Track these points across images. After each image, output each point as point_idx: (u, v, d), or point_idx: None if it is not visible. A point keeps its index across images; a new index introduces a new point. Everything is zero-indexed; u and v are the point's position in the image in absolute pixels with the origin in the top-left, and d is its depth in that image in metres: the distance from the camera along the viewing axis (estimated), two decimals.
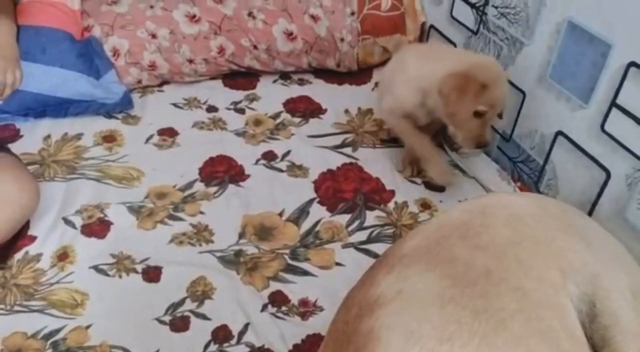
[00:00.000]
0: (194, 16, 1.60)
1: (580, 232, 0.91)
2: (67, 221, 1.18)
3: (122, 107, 1.51)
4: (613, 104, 1.05)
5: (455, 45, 1.56)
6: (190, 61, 1.61)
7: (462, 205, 0.99)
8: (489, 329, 0.71)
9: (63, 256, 1.10)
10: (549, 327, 0.76)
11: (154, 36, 1.57)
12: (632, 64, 1.00)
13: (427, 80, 1.23)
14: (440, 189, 1.35)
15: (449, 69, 1.15)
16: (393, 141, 1.48)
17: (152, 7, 1.59)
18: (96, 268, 1.09)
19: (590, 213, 1.12)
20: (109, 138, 1.42)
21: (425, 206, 1.31)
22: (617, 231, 1.02)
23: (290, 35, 1.65)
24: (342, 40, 1.68)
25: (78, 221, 1.18)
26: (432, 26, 1.68)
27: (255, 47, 1.64)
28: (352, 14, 1.69)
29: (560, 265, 0.84)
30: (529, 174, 1.31)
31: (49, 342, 0.96)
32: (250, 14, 1.63)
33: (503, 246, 0.85)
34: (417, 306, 0.74)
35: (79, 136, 1.42)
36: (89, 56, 1.49)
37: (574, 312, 0.81)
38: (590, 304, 0.82)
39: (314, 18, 1.66)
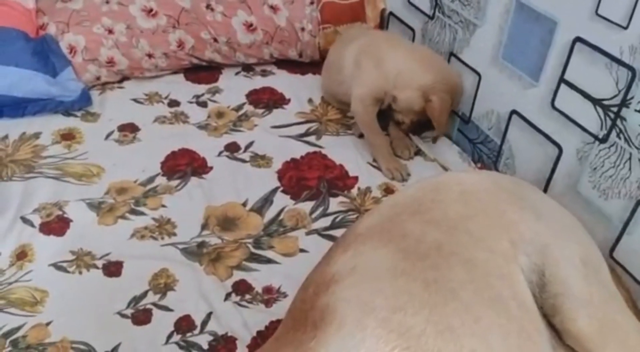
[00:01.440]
0: (151, 10, 1.58)
1: (531, 205, 0.93)
2: (25, 220, 1.16)
3: (80, 105, 1.49)
4: (561, 80, 1.07)
5: (413, 30, 1.57)
6: (150, 56, 1.59)
7: (417, 183, 1.00)
8: (439, 298, 0.73)
9: (21, 254, 1.09)
10: (499, 296, 0.77)
11: (110, 32, 1.55)
12: (578, 39, 1.02)
13: (403, 76, 1.37)
14: None
15: (429, 80, 1.35)
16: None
17: (107, 2, 1.57)
18: (55, 265, 1.08)
19: (545, 189, 1.14)
20: (68, 136, 1.40)
21: (388, 190, 1.32)
22: (571, 205, 1.04)
23: (250, 27, 1.64)
24: (302, 29, 1.68)
25: (36, 220, 1.16)
26: (391, 13, 1.69)
27: (215, 39, 1.63)
28: (312, 3, 1.69)
29: (511, 237, 0.85)
30: (488, 155, 1.33)
31: (9, 340, 0.95)
32: (208, 7, 1.62)
33: (454, 220, 0.86)
34: (370, 280, 0.76)
35: (37, 135, 1.40)
36: (44, 54, 1.47)
37: (525, 282, 0.83)
38: (540, 274, 0.84)
39: (273, 8, 1.66)
